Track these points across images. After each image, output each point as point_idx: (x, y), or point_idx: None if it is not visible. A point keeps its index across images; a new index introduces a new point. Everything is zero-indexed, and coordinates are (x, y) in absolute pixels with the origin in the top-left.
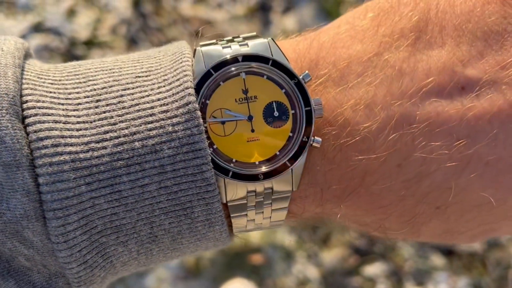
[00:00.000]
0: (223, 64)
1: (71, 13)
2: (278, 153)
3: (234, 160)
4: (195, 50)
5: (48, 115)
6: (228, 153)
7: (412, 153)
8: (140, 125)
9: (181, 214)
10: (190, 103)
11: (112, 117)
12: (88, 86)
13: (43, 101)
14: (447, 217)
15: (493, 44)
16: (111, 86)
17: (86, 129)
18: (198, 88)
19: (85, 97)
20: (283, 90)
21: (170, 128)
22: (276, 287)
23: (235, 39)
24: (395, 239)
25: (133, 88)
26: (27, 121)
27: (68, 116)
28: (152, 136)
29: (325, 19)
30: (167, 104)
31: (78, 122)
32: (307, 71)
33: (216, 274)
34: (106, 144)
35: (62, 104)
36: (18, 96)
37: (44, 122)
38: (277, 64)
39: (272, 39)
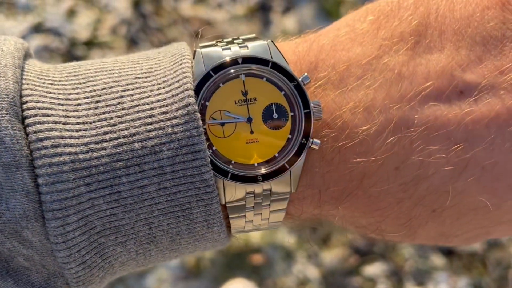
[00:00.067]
0: (222, 66)
1: (71, 13)
2: (277, 154)
3: (233, 162)
4: (195, 51)
5: (48, 115)
6: (227, 154)
7: (410, 156)
8: (140, 126)
9: (180, 215)
10: (189, 104)
11: (111, 118)
12: (88, 87)
13: (43, 102)
14: (443, 220)
15: (492, 49)
16: (110, 87)
17: (85, 130)
18: (197, 89)
19: (84, 98)
20: (283, 92)
21: (169, 130)
22: (276, 287)
23: (234, 41)
24: (391, 241)
25: (132, 89)
26: (27, 121)
27: (68, 116)
28: (151, 137)
29: (325, 19)
30: (166, 106)
31: (77, 123)
32: (306, 74)
33: (217, 274)
34: (105, 145)
35: (62, 105)
36: (18, 96)
37: (43, 122)
38: (276, 67)
39: (272, 41)
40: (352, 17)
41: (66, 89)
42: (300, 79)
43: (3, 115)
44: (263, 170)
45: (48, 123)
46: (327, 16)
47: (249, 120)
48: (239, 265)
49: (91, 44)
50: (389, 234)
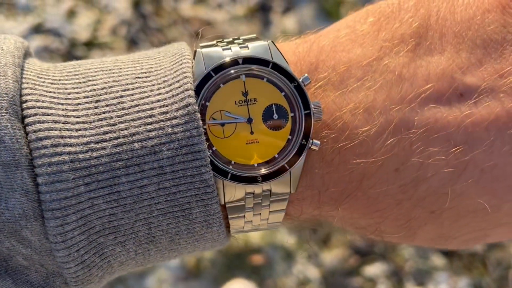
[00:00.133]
0: (223, 66)
1: (71, 14)
2: (277, 155)
3: (233, 162)
4: (195, 51)
5: (48, 115)
6: (227, 155)
7: (409, 158)
8: (140, 126)
9: (179, 215)
10: (189, 105)
11: (111, 117)
12: (88, 86)
13: (43, 101)
14: (442, 222)
15: (492, 52)
16: (110, 87)
17: (85, 129)
18: (198, 90)
19: (84, 97)
20: (283, 93)
21: (169, 130)
22: None
23: (235, 41)
24: (390, 243)
25: (132, 89)
26: (27, 120)
27: (68, 116)
28: (151, 137)
29: (325, 20)
30: (166, 106)
31: (77, 122)
32: (306, 74)
33: (217, 274)
34: (105, 145)
35: (62, 104)
36: (18, 95)
37: (43, 122)
38: (277, 67)
39: (272, 41)
40: (353, 18)
41: (66, 89)
42: (300, 80)
43: (3, 114)
44: (263, 171)
45: (48, 122)
46: (327, 16)
47: (249, 120)
48: (239, 266)
49: (91, 44)
50: (388, 235)
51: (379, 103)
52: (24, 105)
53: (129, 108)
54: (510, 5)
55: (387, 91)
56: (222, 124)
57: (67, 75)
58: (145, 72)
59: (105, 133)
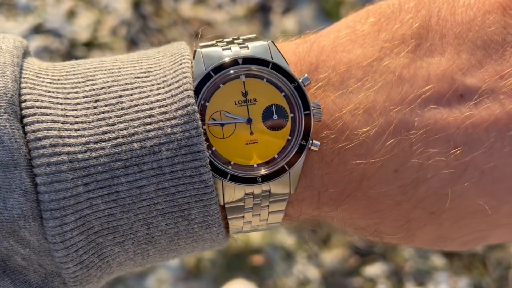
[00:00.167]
0: (223, 66)
1: (71, 14)
2: (276, 156)
3: (232, 163)
4: (195, 51)
5: (47, 114)
6: (226, 155)
7: (409, 159)
8: (139, 126)
9: (178, 216)
10: (189, 105)
11: (110, 117)
12: (87, 86)
13: (42, 101)
14: (441, 223)
15: (492, 53)
16: (110, 87)
17: (84, 129)
18: (197, 90)
19: (83, 97)
20: (283, 93)
21: (168, 130)
22: None
23: (235, 41)
24: (389, 244)
25: (132, 88)
26: (26, 120)
27: (67, 116)
28: (150, 137)
29: (325, 20)
30: (166, 106)
31: (76, 122)
32: (306, 75)
33: (217, 275)
34: (104, 145)
35: (61, 104)
36: (17, 95)
37: (42, 122)
38: (277, 67)
39: (272, 41)
40: (353, 19)
41: (65, 88)
42: (300, 80)
43: (2, 114)
44: (262, 171)
45: (47, 122)
46: (327, 16)
47: (249, 121)
48: (239, 266)
49: (91, 45)
50: (388, 236)
51: (379, 104)
52: (23, 105)
53: (128, 108)
54: (510, 7)
55: (387, 92)
56: (222, 125)
57: (66, 75)
58: (145, 72)
59: (104, 133)
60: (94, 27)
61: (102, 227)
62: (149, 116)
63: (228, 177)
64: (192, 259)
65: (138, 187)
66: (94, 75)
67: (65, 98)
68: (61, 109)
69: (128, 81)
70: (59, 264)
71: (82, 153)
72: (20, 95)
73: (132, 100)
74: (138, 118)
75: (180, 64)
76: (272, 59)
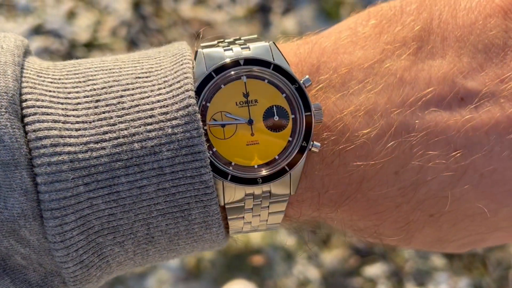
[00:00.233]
0: (224, 67)
1: (71, 15)
2: (277, 157)
3: (233, 163)
4: (196, 51)
5: (47, 114)
6: (227, 156)
7: (409, 161)
8: (140, 127)
9: (178, 216)
10: (190, 105)
11: (111, 117)
12: (88, 85)
13: (43, 100)
14: (440, 225)
15: (493, 57)
16: (111, 87)
17: (85, 129)
18: (199, 90)
19: (84, 96)
20: (284, 95)
21: (169, 130)
22: None
23: (236, 41)
24: (388, 246)
25: (133, 89)
26: (26, 120)
27: (67, 115)
28: (151, 137)
29: (325, 21)
30: (167, 106)
31: (77, 122)
32: (307, 76)
33: (217, 275)
34: (105, 145)
35: (62, 104)
36: (18, 94)
37: (43, 121)
38: (278, 69)
39: (274, 42)
40: (354, 20)
41: (66, 88)
42: (301, 82)
43: (2, 114)
44: (263, 172)
45: (48, 121)
46: (327, 17)
47: (250, 122)
48: (239, 266)
49: (91, 45)
50: (387, 238)
51: (380, 106)
52: (24, 104)
53: (129, 108)
54: (511, 11)
55: (388, 94)
56: (223, 125)
57: (67, 74)
58: (146, 72)
59: (105, 133)
60: (94, 28)
61: (102, 227)
62: (150, 116)
63: (229, 177)
64: (192, 260)
65: (139, 187)
66: (95, 75)
67: (66, 98)
68: (62, 109)
69: (129, 81)
70: (59, 263)
71: (82, 153)
72: (21, 94)
73: (133, 100)
74: (139, 118)
75: (181, 64)
76: (273, 60)
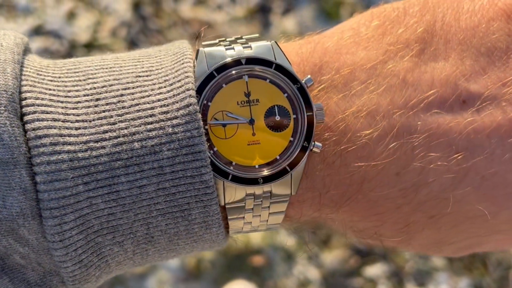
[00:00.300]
0: (226, 66)
1: (71, 16)
2: (278, 157)
3: (234, 163)
4: (197, 50)
5: (47, 113)
6: (228, 156)
7: (411, 162)
8: (140, 126)
9: (178, 216)
10: (190, 104)
11: (111, 116)
12: (88, 84)
13: (42, 99)
14: (440, 227)
15: (496, 60)
16: (111, 85)
17: (85, 128)
18: (200, 89)
19: (84, 95)
20: (285, 94)
21: (170, 130)
22: None
23: (238, 40)
24: (387, 247)
25: (133, 87)
26: (26, 118)
27: (67, 114)
28: (151, 137)
29: (325, 21)
30: (167, 105)
31: (77, 121)
32: (309, 76)
33: (217, 275)
34: (105, 144)
35: (62, 102)
36: (17, 93)
37: (43, 120)
38: (280, 68)
39: (275, 42)
40: (357, 21)
41: (66, 86)
42: (303, 81)
43: (2, 112)
44: (264, 172)
45: (47, 120)
46: (327, 17)
47: (251, 121)
48: (239, 267)
49: (91, 46)
50: (387, 239)
51: (382, 107)
52: (24, 103)
53: (130, 107)
54: None
55: (390, 95)
56: (224, 125)
57: (67, 73)
58: (146, 71)
59: (105, 132)
60: (94, 28)
61: (102, 226)
62: (151, 116)
63: (230, 177)
64: (193, 260)
65: (139, 186)
66: (95, 73)
67: (65, 96)
68: (62, 107)
69: (130, 80)
70: (58, 263)
71: (82, 152)
72: (20, 92)
73: (133, 99)
74: (139, 118)
75: (182, 63)
76: (275, 59)
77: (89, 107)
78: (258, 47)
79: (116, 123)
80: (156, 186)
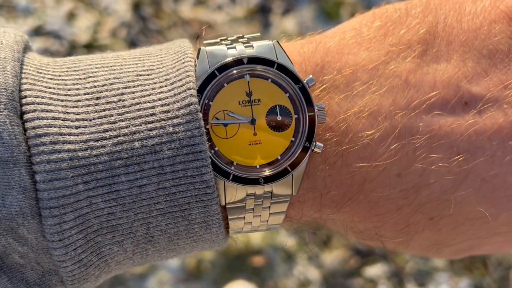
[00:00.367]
0: (227, 65)
1: (71, 16)
2: (279, 157)
3: (235, 163)
4: (199, 49)
5: (47, 111)
6: (229, 155)
7: (412, 163)
8: (140, 125)
9: (178, 216)
10: (191, 104)
11: (112, 115)
12: (88, 82)
13: (42, 97)
14: (439, 229)
15: (498, 63)
16: (111, 84)
17: (85, 127)
18: (201, 89)
19: (85, 94)
20: (287, 94)
21: (170, 129)
22: None
23: (239, 40)
24: (386, 249)
25: (134, 86)
26: (26, 117)
27: (67, 113)
28: (152, 136)
29: (325, 21)
30: (168, 104)
31: (77, 120)
32: (311, 76)
33: (217, 276)
34: (105, 143)
35: (62, 101)
36: (17, 91)
37: (42, 118)
38: (282, 68)
39: (277, 41)
40: (359, 21)
41: (66, 85)
42: (305, 81)
43: (1, 110)
44: (265, 172)
45: (47, 119)
46: (327, 17)
47: (253, 121)
48: (239, 267)
49: (91, 46)
50: (387, 240)
51: (384, 108)
52: (23, 101)
53: (130, 106)
54: None
55: (393, 96)
56: (225, 124)
57: (67, 71)
58: (147, 70)
59: (105, 131)
60: (94, 29)
61: (101, 226)
62: (151, 115)
63: (231, 177)
64: (193, 260)
65: (139, 186)
66: (95, 72)
67: (66, 95)
68: (62, 106)
69: (130, 79)
70: (57, 262)
71: (82, 151)
72: (20, 90)
73: (134, 98)
74: (140, 117)
75: (183, 62)
76: (277, 59)
77: (89, 105)
78: (260, 47)
79: (117, 122)
80: (156, 185)
